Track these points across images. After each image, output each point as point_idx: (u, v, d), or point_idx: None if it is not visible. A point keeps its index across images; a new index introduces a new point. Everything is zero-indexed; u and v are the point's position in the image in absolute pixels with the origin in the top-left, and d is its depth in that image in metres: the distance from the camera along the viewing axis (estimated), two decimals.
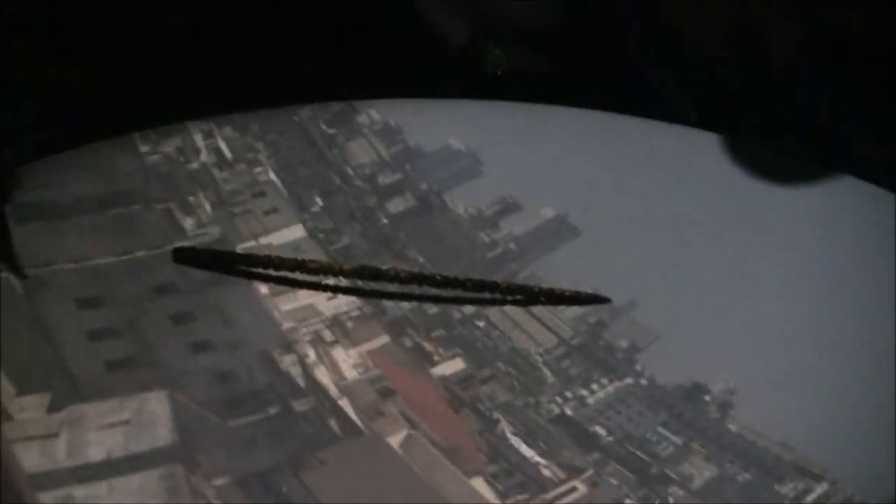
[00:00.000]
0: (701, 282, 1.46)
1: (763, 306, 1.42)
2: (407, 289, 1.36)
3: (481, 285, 1.36)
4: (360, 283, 1.38)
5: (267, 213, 1.52)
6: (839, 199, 1.59)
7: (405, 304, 1.38)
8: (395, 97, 1.75)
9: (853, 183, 1.60)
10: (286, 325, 1.35)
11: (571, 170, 1.63)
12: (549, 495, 1.19)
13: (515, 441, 1.24)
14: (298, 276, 1.37)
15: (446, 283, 1.35)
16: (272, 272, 1.37)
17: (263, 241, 1.47)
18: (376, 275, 1.35)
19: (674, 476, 1.23)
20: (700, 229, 1.54)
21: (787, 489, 1.22)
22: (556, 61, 2.05)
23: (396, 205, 1.56)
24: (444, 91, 1.81)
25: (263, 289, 1.38)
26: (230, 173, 1.57)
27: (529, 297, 1.39)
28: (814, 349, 1.37)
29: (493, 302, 1.38)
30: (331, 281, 1.38)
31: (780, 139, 1.76)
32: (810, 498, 1.21)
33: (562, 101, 1.73)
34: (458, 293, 1.37)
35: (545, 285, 1.41)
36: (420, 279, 1.35)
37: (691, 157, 1.67)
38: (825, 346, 1.37)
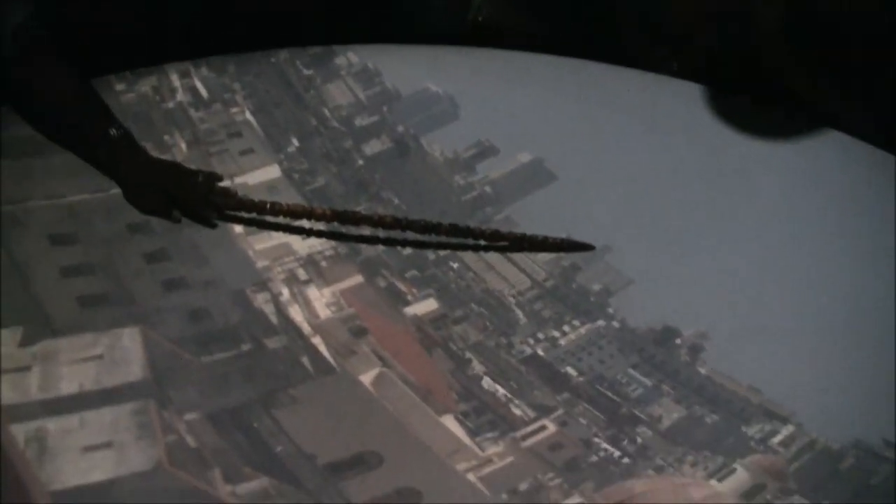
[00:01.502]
0: (675, 228, 1.46)
1: (735, 254, 1.43)
2: (389, 233, 1.36)
3: (465, 231, 1.34)
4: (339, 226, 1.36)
5: (243, 153, 1.51)
6: (814, 153, 1.60)
7: (381, 245, 1.38)
8: (374, 42, 1.74)
9: (830, 136, 1.60)
10: (260, 264, 1.35)
11: (549, 116, 1.62)
12: (519, 433, 1.21)
13: (486, 381, 1.25)
14: (280, 219, 1.35)
15: (429, 228, 1.32)
16: (254, 215, 1.35)
17: (239, 180, 1.46)
18: (359, 220, 1.32)
19: (643, 417, 1.24)
20: (676, 177, 1.55)
21: (753, 431, 1.24)
22: (537, 9, 2.04)
23: (373, 147, 1.56)
24: (424, 36, 1.80)
25: (238, 227, 1.38)
26: (206, 113, 1.56)
27: (513, 243, 1.36)
28: (783, 297, 1.38)
29: (476, 248, 1.37)
30: (308, 224, 1.37)
31: (761, 93, 1.76)
32: (776, 439, 1.23)
33: (542, 49, 1.72)
34: (442, 239, 1.35)
35: (520, 229, 1.40)
36: (403, 225, 1.32)
37: (670, 105, 1.67)
38: (794, 294, 1.38)
